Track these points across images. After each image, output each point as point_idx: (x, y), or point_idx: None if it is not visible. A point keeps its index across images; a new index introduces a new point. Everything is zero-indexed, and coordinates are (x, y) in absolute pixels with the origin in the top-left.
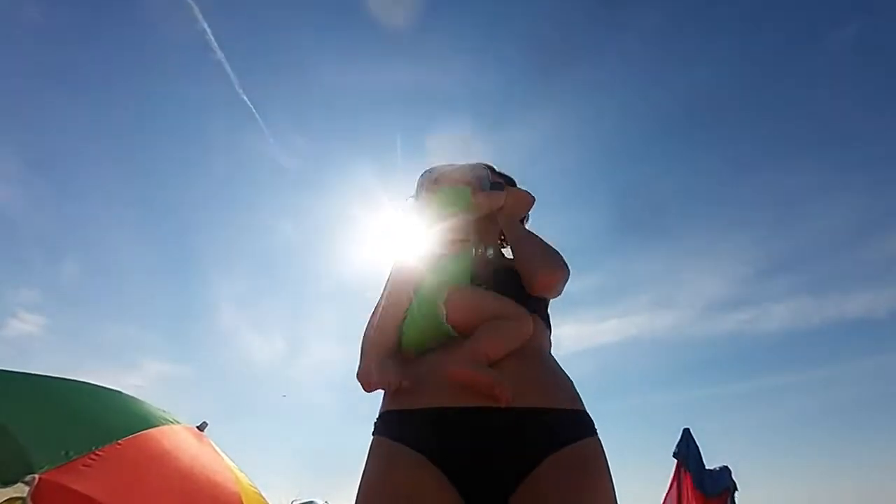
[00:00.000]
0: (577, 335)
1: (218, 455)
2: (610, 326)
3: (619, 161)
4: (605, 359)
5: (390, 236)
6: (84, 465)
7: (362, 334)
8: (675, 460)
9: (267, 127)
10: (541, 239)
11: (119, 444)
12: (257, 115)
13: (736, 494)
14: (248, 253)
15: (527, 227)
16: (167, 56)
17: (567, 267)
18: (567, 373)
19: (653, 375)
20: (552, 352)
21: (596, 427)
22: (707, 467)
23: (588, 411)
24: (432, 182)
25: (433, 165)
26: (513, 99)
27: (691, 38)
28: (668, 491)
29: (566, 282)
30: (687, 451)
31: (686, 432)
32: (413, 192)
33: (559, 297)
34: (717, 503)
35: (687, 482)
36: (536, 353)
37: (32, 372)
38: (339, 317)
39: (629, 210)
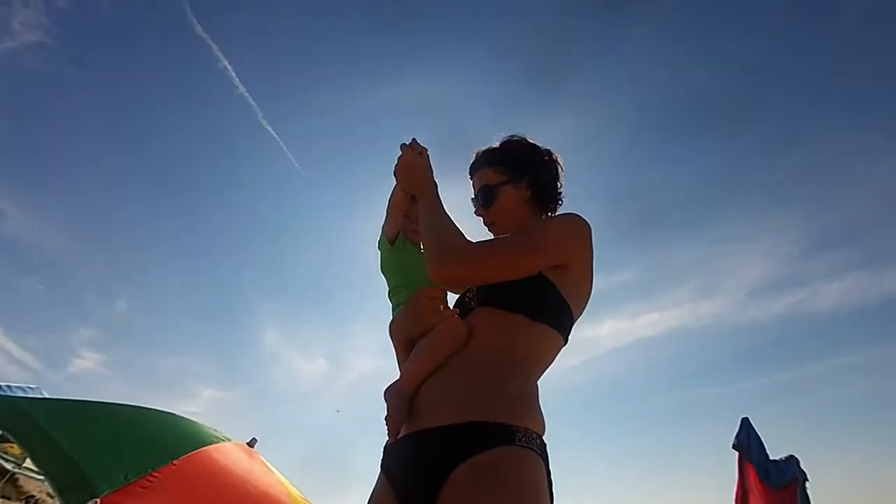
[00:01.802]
0: (615, 332)
1: (268, 469)
2: (650, 320)
3: (646, 155)
4: (648, 353)
5: None
6: (142, 487)
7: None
8: (736, 452)
9: (291, 152)
10: (438, 221)
11: (175, 464)
12: (282, 143)
13: (807, 485)
14: (285, 278)
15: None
16: (194, 95)
17: (462, 255)
18: (525, 376)
19: (701, 367)
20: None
21: (521, 436)
22: (771, 458)
23: (523, 420)
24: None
25: None
26: (532, 99)
27: (709, 22)
28: (737, 486)
29: (473, 267)
30: (748, 441)
31: (745, 422)
32: None
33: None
34: (784, 495)
35: (750, 474)
36: (465, 363)
37: (90, 399)
38: (374, 331)
39: (660, 203)
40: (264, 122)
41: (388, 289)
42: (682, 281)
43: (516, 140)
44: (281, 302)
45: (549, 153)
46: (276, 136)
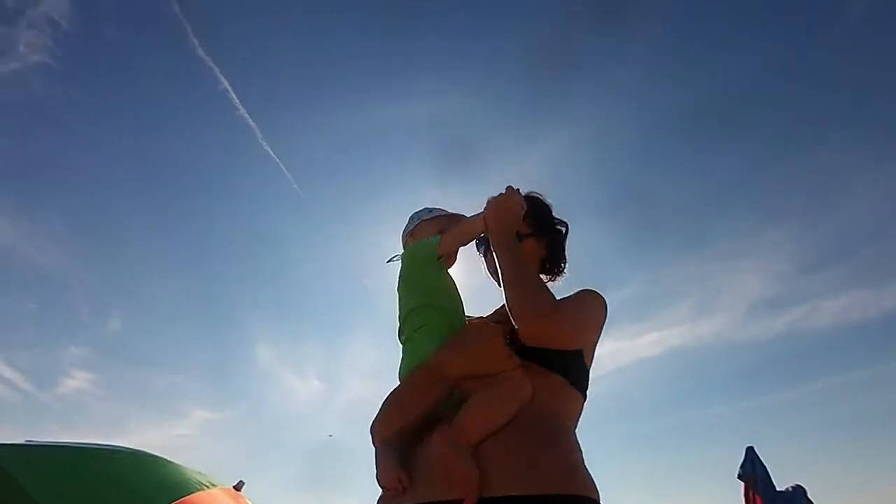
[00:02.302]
0: (614, 352)
1: None
2: (650, 339)
3: (639, 170)
4: (648, 374)
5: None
6: None
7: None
8: (742, 482)
9: (290, 172)
10: (527, 272)
11: None
12: (280, 163)
13: None
14: (280, 297)
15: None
16: (194, 117)
17: (554, 312)
18: (574, 443)
19: (701, 387)
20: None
21: None
22: (778, 489)
23: (590, 490)
24: (408, 235)
25: (420, 209)
26: (526, 118)
27: (702, 36)
28: None
29: (561, 328)
30: (753, 471)
31: (750, 451)
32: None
33: (573, 345)
34: None
35: None
36: (530, 424)
37: (67, 443)
38: (371, 351)
39: (656, 217)
40: (263, 143)
41: (407, 307)
42: (681, 298)
43: (541, 198)
44: (276, 321)
45: (566, 225)
46: (274, 156)
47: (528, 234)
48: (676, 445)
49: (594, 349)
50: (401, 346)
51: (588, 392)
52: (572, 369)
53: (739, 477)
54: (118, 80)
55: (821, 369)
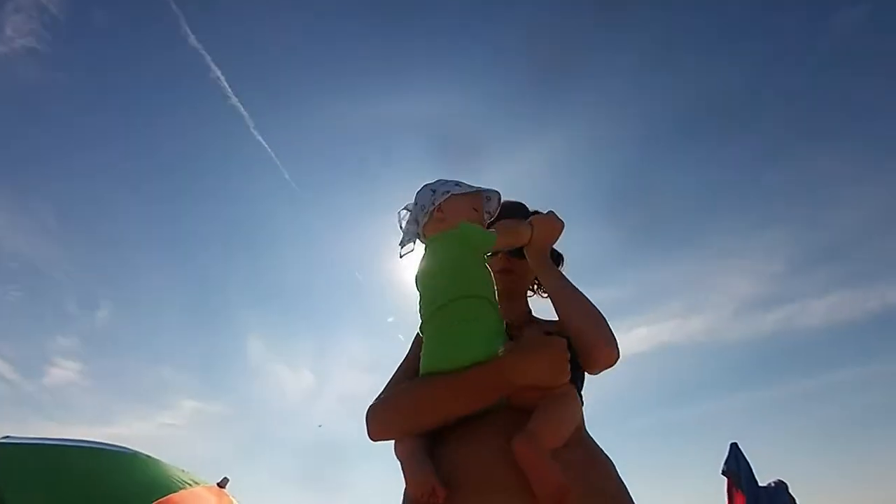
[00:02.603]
0: None
1: None
2: (640, 335)
3: (636, 169)
4: (638, 370)
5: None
6: None
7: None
8: (725, 478)
9: (281, 162)
10: (584, 296)
11: None
12: (272, 154)
13: None
14: (271, 288)
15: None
16: (185, 105)
17: (615, 347)
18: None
19: (690, 384)
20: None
21: None
22: (760, 484)
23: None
24: (436, 209)
25: (436, 181)
26: (521, 117)
27: (695, 40)
28: None
29: (612, 359)
30: (737, 467)
31: (734, 447)
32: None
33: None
34: None
35: (740, 502)
36: (586, 446)
37: (45, 440)
38: (363, 344)
39: (650, 217)
40: (255, 132)
41: (455, 293)
42: (672, 296)
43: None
44: (267, 313)
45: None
46: (266, 146)
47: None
48: (663, 441)
49: None
50: (423, 333)
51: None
52: (578, 378)
53: (723, 472)
54: (107, 67)
55: (806, 369)
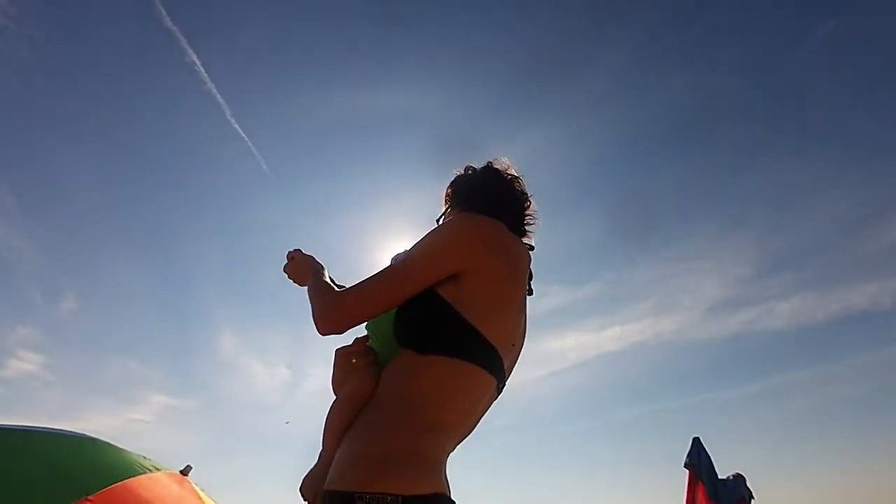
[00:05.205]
0: (579, 345)
1: (199, 500)
2: (613, 334)
3: (612, 171)
4: (610, 367)
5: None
6: None
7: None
8: (687, 471)
9: (259, 153)
10: (315, 285)
11: (90, 500)
12: (250, 143)
13: (753, 503)
14: (245, 281)
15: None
16: (159, 90)
17: (332, 306)
18: (393, 429)
19: (659, 381)
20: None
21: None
22: (720, 476)
23: (366, 485)
24: None
25: None
26: (504, 113)
27: (676, 47)
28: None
29: (336, 317)
30: (699, 460)
31: (696, 441)
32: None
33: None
34: None
35: (700, 493)
36: (360, 418)
37: (6, 426)
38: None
39: (625, 219)
40: (232, 120)
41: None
42: (644, 297)
43: (461, 174)
44: (240, 305)
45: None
46: (244, 135)
47: (448, 208)
48: (633, 435)
49: (477, 276)
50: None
51: (470, 345)
52: (422, 333)
53: (686, 465)
54: (75, 46)
55: (768, 368)
